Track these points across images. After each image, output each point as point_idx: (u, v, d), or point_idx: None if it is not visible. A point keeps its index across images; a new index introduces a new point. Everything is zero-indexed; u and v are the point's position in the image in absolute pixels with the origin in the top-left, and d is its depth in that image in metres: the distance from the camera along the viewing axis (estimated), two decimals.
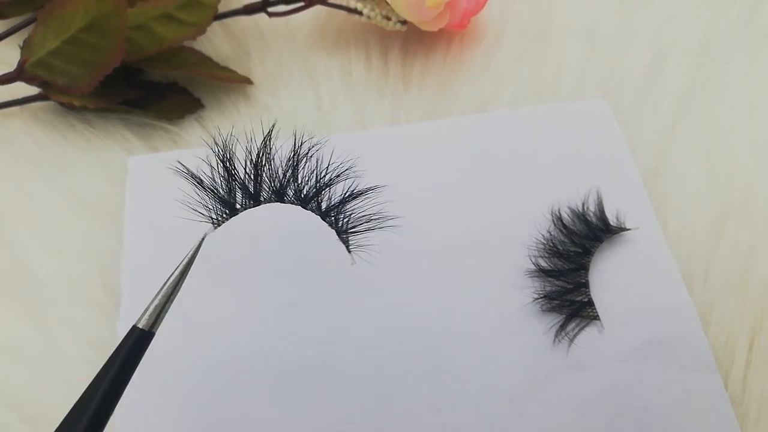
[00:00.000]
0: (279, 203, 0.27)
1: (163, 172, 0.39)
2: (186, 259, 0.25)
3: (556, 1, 0.46)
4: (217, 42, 0.45)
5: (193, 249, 0.25)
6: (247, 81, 0.43)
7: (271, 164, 0.26)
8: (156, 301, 0.24)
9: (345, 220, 0.28)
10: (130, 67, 0.40)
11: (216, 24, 0.42)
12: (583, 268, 0.36)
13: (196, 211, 0.26)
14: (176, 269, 0.25)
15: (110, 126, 0.41)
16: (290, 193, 0.27)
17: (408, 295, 0.35)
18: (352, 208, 0.28)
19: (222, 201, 0.26)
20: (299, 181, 0.27)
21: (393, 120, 0.42)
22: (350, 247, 0.28)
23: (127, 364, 0.23)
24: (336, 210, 0.27)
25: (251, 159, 0.26)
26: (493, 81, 0.43)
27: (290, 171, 0.26)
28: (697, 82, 0.42)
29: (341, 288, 0.35)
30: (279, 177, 0.26)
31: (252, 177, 0.26)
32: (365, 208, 0.28)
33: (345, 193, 0.27)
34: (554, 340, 0.34)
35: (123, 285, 0.35)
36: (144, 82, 0.42)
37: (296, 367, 0.33)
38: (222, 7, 0.41)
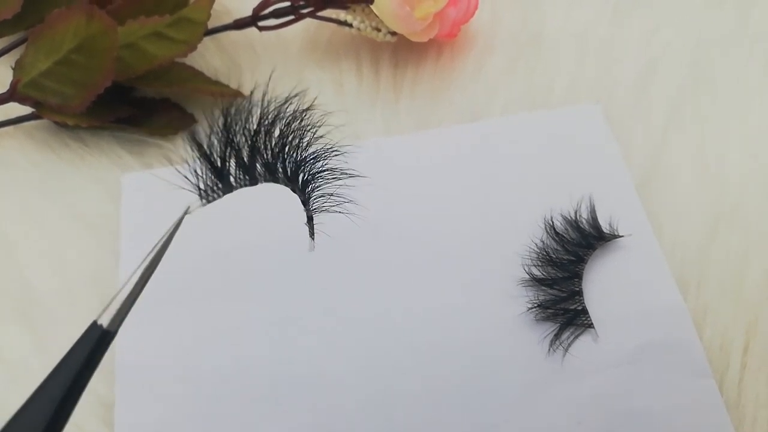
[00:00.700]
0: (273, 183, 0.24)
1: (158, 188, 0.39)
2: (162, 241, 0.21)
3: (546, 8, 0.46)
4: (209, 56, 0.45)
5: (172, 226, 0.22)
6: (240, 95, 0.43)
7: (268, 136, 0.23)
8: (121, 297, 0.21)
9: (313, 197, 0.24)
10: (122, 86, 0.41)
11: (207, 39, 0.42)
12: (577, 276, 0.36)
13: (185, 177, 0.22)
14: (149, 254, 0.21)
15: (104, 144, 0.41)
16: (280, 169, 0.23)
17: (400, 306, 0.35)
18: (321, 179, 0.25)
19: (215, 170, 0.22)
20: (287, 157, 0.23)
21: (385, 130, 0.42)
22: (314, 231, 0.25)
23: (85, 365, 0.20)
24: (308, 175, 0.24)
25: (248, 128, 0.23)
26: (485, 89, 0.43)
27: (282, 145, 0.23)
28: (688, 89, 0.43)
29: (333, 297, 0.35)
30: (272, 148, 0.23)
31: (249, 147, 0.22)
32: (332, 185, 0.25)
33: (318, 152, 0.24)
34: (549, 349, 0.34)
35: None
36: (136, 99, 0.43)
37: (290, 378, 0.33)
38: (212, 23, 0.41)
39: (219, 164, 0.22)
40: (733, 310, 0.35)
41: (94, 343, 0.20)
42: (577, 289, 0.35)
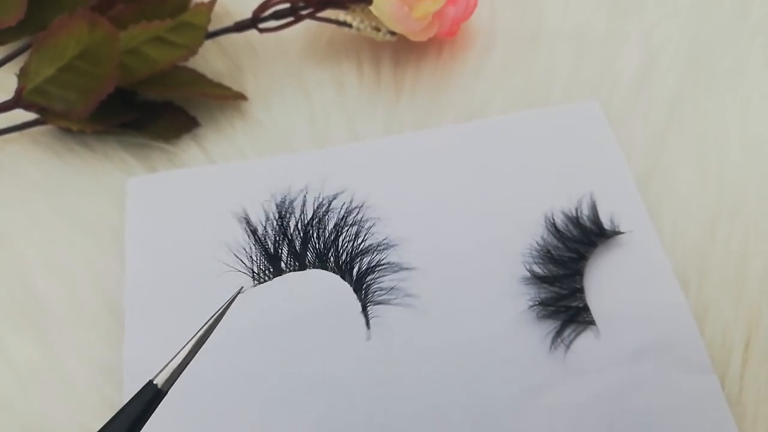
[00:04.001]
0: (323, 270, 0.25)
1: (162, 192, 0.40)
2: (216, 315, 0.23)
3: (546, 5, 0.46)
4: (211, 59, 0.45)
5: (225, 304, 0.23)
6: (242, 97, 0.43)
7: (321, 227, 0.25)
8: (178, 360, 0.22)
9: (372, 292, 0.26)
10: (125, 90, 0.41)
11: (208, 41, 0.43)
12: (578, 274, 0.36)
13: (239, 259, 0.24)
14: (204, 325, 0.23)
15: (108, 148, 0.42)
16: (332, 259, 0.25)
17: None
18: (377, 279, 0.26)
19: (268, 256, 0.24)
20: (339, 248, 0.25)
21: (386, 130, 0.42)
22: (370, 321, 0.27)
23: (137, 420, 0.22)
24: (367, 277, 0.26)
25: (302, 219, 0.25)
26: (485, 87, 0.43)
27: (334, 236, 0.25)
28: (687, 84, 0.42)
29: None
30: (326, 242, 0.25)
31: (302, 237, 0.25)
32: (387, 281, 0.27)
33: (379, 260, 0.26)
34: (550, 347, 0.34)
35: (126, 306, 0.36)
36: (139, 103, 0.43)
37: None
38: (212, 25, 0.42)
39: (272, 251, 0.24)
40: (734, 306, 0.35)
41: (148, 400, 0.22)
42: (579, 286, 0.36)
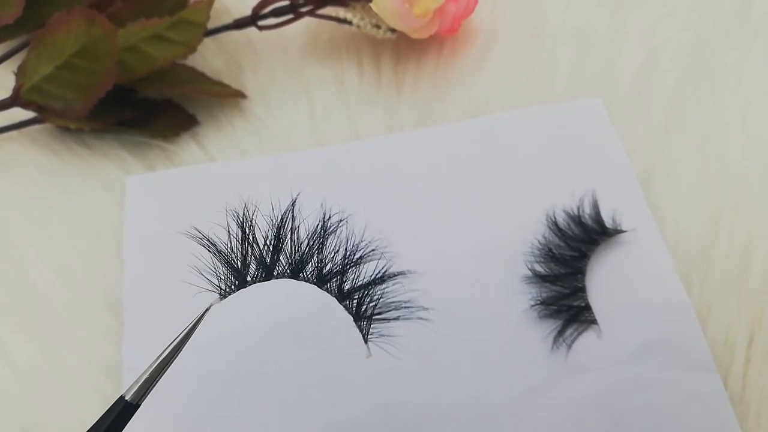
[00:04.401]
0: (293, 280, 0.25)
1: (161, 191, 0.40)
2: (185, 331, 0.24)
3: (547, 2, 0.46)
4: (210, 56, 0.45)
5: (194, 321, 0.24)
6: (241, 95, 0.43)
7: (293, 236, 0.24)
8: (147, 374, 0.23)
9: (371, 305, 0.25)
10: (124, 88, 0.41)
11: (207, 39, 0.42)
12: (580, 272, 0.36)
13: (206, 278, 0.24)
14: (174, 341, 0.24)
15: (107, 147, 0.42)
16: (309, 269, 0.24)
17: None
18: (379, 291, 0.25)
19: (234, 271, 0.24)
20: (323, 258, 0.24)
21: (387, 128, 0.42)
22: (369, 336, 0.26)
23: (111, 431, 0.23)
24: (360, 292, 0.25)
25: (274, 227, 0.24)
26: (486, 85, 0.43)
27: (315, 245, 0.24)
28: (689, 82, 0.42)
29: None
30: (301, 250, 0.24)
31: (271, 248, 0.24)
32: (393, 294, 0.25)
33: (375, 274, 0.25)
34: (552, 346, 0.34)
35: (125, 305, 0.36)
36: (138, 101, 0.43)
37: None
38: (212, 23, 0.41)
39: (240, 266, 0.24)
40: (737, 304, 0.35)
41: (117, 414, 0.23)
42: (581, 285, 0.35)
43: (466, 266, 0.36)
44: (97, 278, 0.37)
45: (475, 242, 0.37)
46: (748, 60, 0.43)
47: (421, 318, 0.27)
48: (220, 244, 0.24)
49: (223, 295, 0.24)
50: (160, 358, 0.23)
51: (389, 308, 0.26)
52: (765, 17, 0.45)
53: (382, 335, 0.26)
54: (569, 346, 0.34)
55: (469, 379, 0.33)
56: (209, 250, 0.24)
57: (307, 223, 0.25)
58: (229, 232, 0.24)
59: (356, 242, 0.25)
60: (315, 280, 0.25)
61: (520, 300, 0.35)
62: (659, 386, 0.33)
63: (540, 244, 0.36)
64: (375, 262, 0.25)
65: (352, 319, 0.25)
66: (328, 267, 0.25)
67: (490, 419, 0.33)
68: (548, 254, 0.36)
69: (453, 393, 0.33)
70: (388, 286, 0.26)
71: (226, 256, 0.24)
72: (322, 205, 0.25)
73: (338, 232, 0.25)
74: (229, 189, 0.38)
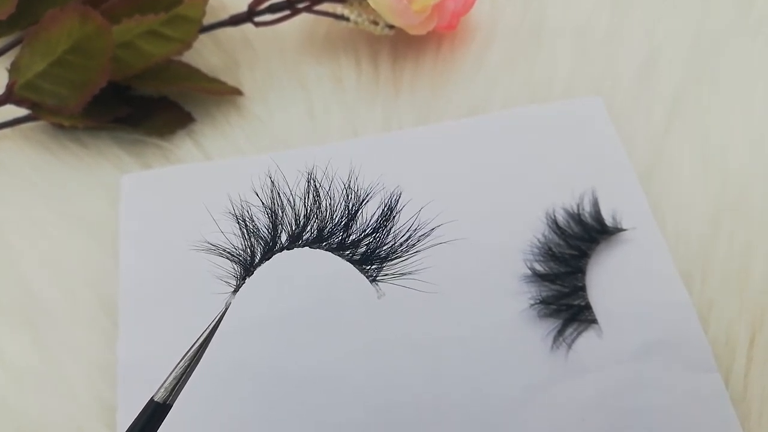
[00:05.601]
0: (315, 249, 0.25)
1: (157, 189, 0.39)
2: (207, 331, 0.24)
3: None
4: (206, 53, 0.45)
5: (215, 320, 0.24)
6: (237, 92, 0.43)
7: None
8: (174, 374, 0.23)
9: (371, 247, 0.25)
10: (119, 85, 0.40)
11: (203, 35, 0.42)
12: (580, 271, 0.35)
13: (223, 255, 0.24)
14: (197, 340, 0.23)
15: (102, 144, 0.41)
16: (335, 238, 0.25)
17: (401, 302, 0.35)
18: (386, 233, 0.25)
19: (239, 262, 0.24)
20: (323, 217, 0.25)
21: (385, 126, 0.42)
22: (378, 277, 0.26)
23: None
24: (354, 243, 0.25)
25: (304, 195, 0.25)
26: (485, 83, 0.43)
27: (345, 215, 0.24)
28: (690, 80, 0.42)
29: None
30: (331, 219, 0.25)
31: (306, 213, 0.25)
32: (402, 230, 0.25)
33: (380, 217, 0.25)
34: (552, 345, 0.34)
35: (120, 304, 0.35)
36: (134, 98, 0.42)
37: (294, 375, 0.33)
38: (208, 19, 0.41)
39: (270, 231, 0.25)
40: (738, 303, 0.35)
41: (149, 414, 0.23)
42: (581, 284, 0.35)
43: (464, 265, 0.36)
44: (92, 277, 0.37)
45: (473, 240, 0.37)
46: (749, 58, 0.43)
47: (443, 242, 0.27)
48: (226, 243, 0.24)
49: (235, 290, 0.24)
50: (185, 359, 0.23)
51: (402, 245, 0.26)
52: (765, 17, 0.44)
53: (401, 274, 0.26)
54: (569, 346, 0.34)
55: (469, 378, 0.33)
56: (213, 247, 0.24)
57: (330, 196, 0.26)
58: (260, 198, 0.24)
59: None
60: (336, 246, 0.25)
61: (520, 299, 0.35)
62: (660, 386, 0.33)
63: (540, 242, 0.36)
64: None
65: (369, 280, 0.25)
66: (328, 227, 0.25)
67: (490, 419, 0.32)
68: (548, 253, 0.36)
69: (453, 392, 0.33)
70: (395, 224, 0.25)
71: (255, 222, 0.24)
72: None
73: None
74: (225, 187, 0.38)
